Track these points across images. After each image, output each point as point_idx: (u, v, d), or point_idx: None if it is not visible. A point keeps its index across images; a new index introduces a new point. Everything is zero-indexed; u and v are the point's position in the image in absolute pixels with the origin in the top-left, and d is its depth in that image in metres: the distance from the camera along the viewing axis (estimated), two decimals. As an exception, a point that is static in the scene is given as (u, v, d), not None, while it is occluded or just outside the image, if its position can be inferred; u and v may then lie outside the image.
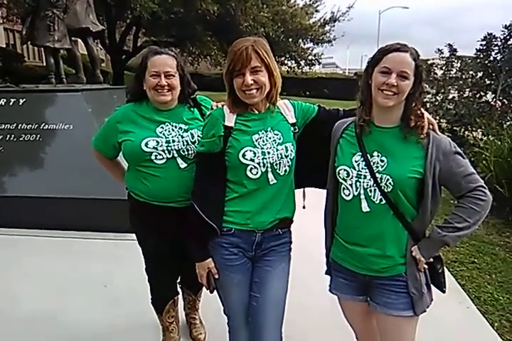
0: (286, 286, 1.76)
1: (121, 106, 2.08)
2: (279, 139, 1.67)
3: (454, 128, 7.56)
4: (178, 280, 2.35)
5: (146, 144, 1.90)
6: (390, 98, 1.45)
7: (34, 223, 4.01)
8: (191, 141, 1.94)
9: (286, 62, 18.64)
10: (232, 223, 1.68)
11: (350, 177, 1.55)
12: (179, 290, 2.37)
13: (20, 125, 4.55)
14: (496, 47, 7.49)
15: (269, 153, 1.63)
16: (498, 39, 7.41)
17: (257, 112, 1.68)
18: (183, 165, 1.94)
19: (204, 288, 2.26)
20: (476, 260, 3.68)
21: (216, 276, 1.73)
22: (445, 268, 1.68)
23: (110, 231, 3.86)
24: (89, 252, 3.66)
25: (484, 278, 3.36)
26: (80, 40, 6.71)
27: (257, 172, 1.63)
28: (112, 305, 2.83)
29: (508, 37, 7.32)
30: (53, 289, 3.05)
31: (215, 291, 1.80)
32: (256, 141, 1.64)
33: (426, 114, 1.54)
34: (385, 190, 1.50)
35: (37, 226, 4.00)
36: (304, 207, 1.97)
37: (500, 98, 7.50)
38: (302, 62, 18.69)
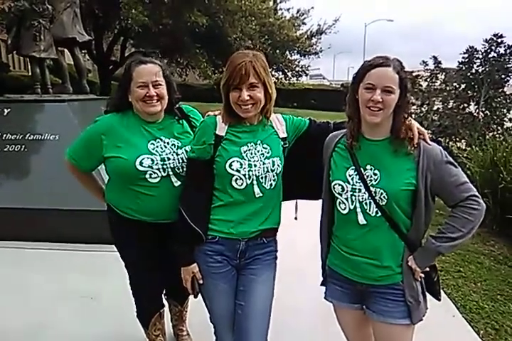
0: (271, 294, 1.77)
1: (102, 116, 1.98)
2: (268, 153, 1.69)
3: (439, 139, 7.69)
4: (164, 292, 2.32)
5: (141, 163, 1.83)
6: (377, 114, 1.47)
7: (19, 235, 3.94)
8: (186, 158, 1.87)
9: (273, 73, 18.81)
10: (217, 231, 1.69)
11: (345, 191, 1.56)
12: (165, 302, 2.34)
13: (4, 135, 4.49)
14: (478, 60, 7.70)
15: (255, 165, 1.65)
16: (480, 52, 7.62)
17: (248, 124, 1.70)
18: (177, 183, 1.89)
19: (191, 299, 2.25)
20: (461, 269, 3.71)
21: (201, 281, 1.73)
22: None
23: (96, 243, 3.80)
24: (75, 264, 3.60)
25: (470, 286, 3.39)
26: (66, 50, 6.69)
27: (242, 184, 1.65)
28: (98, 318, 2.78)
29: (488, 50, 7.54)
30: (38, 302, 2.99)
31: (203, 302, 1.79)
32: (244, 152, 1.66)
33: (416, 124, 1.55)
34: (380, 203, 1.51)
35: (22, 238, 3.93)
36: (295, 218, 1.99)
37: (483, 109, 7.68)
38: (289, 74, 18.88)
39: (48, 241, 3.92)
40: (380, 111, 1.47)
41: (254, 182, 1.65)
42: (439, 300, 1.65)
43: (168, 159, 1.88)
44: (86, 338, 2.58)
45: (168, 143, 1.92)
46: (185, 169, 1.87)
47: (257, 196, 1.67)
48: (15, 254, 3.77)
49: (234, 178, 1.64)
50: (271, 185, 1.69)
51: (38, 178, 4.21)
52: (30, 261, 3.65)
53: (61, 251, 3.83)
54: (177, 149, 1.92)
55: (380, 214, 1.53)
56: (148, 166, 1.84)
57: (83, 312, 2.86)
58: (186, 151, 1.89)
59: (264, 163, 1.66)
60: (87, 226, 3.80)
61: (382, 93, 1.45)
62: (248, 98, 1.59)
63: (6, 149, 4.40)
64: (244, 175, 1.64)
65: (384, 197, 1.50)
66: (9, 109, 4.73)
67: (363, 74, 1.49)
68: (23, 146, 4.41)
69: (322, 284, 1.79)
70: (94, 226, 3.66)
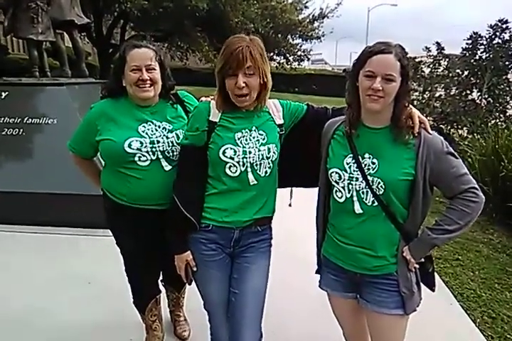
0: (265, 282, 1.76)
1: (96, 102, 1.98)
2: (263, 139, 1.65)
3: (440, 126, 7.63)
4: (161, 278, 2.32)
5: (130, 145, 1.82)
6: (377, 102, 1.43)
7: (17, 219, 3.95)
8: (177, 142, 1.87)
9: (275, 57, 18.58)
10: (210, 219, 1.67)
11: (342, 179, 1.54)
12: (162, 288, 2.34)
13: (2, 119, 4.46)
14: (482, 46, 7.58)
15: (250, 152, 1.61)
16: (484, 38, 7.49)
17: (244, 110, 1.65)
18: (167, 167, 1.87)
19: (187, 285, 2.25)
20: (460, 257, 3.73)
21: (194, 269, 1.73)
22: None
23: (94, 227, 3.80)
24: (72, 248, 3.62)
25: (468, 274, 3.40)
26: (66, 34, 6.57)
27: (236, 171, 1.61)
28: (95, 302, 2.80)
29: (493, 36, 7.42)
30: (36, 286, 3.01)
31: (198, 289, 1.79)
32: (238, 139, 1.62)
33: (417, 113, 1.52)
34: (377, 193, 1.49)
35: (20, 221, 3.94)
36: (290, 205, 1.97)
37: (486, 96, 7.59)
38: (291, 58, 18.66)
39: (45, 225, 3.93)
40: (381, 99, 1.42)
41: (249, 169, 1.62)
42: (434, 291, 1.64)
43: (158, 142, 1.86)
44: (84, 322, 2.60)
45: (159, 127, 1.90)
46: (175, 153, 1.86)
47: (251, 184, 1.64)
48: (11, 238, 3.77)
49: (227, 165, 1.61)
50: (266, 172, 1.66)
51: (35, 162, 4.20)
52: (27, 245, 3.66)
53: (58, 235, 3.84)
54: (168, 133, 1.90)
55: (376, 203, 1.50)
56: (137, 149, 1.83)
57: (82, 296, 2.88)
58: (177, 135, 1.88)
59: (259, 150, 1.63)
60: (85, 210, 3.79)
61: (383, 81, 1.41)
62: (244, 85, 1.54)
63: (4, 133, 4.37)
64: (238, 162, 1.60)
65: (381, 186, 1.47)
66: (7, 93, 4.69)
67: (364, 60, 1.44)
68: (21, 130, 4.38)
69: (317, 272, 1.78)
70: (92, 211, 3.65)
